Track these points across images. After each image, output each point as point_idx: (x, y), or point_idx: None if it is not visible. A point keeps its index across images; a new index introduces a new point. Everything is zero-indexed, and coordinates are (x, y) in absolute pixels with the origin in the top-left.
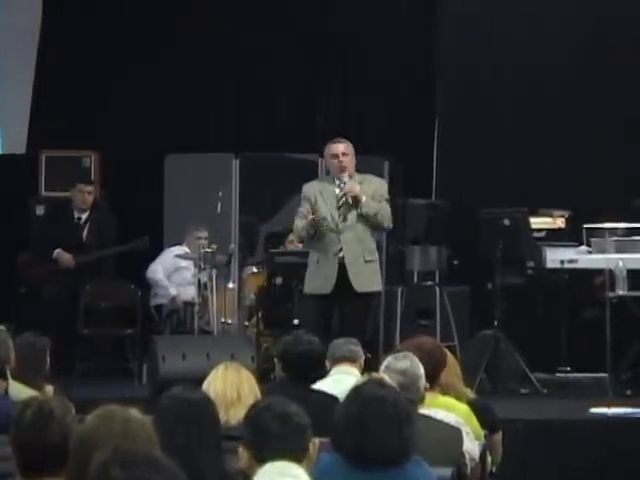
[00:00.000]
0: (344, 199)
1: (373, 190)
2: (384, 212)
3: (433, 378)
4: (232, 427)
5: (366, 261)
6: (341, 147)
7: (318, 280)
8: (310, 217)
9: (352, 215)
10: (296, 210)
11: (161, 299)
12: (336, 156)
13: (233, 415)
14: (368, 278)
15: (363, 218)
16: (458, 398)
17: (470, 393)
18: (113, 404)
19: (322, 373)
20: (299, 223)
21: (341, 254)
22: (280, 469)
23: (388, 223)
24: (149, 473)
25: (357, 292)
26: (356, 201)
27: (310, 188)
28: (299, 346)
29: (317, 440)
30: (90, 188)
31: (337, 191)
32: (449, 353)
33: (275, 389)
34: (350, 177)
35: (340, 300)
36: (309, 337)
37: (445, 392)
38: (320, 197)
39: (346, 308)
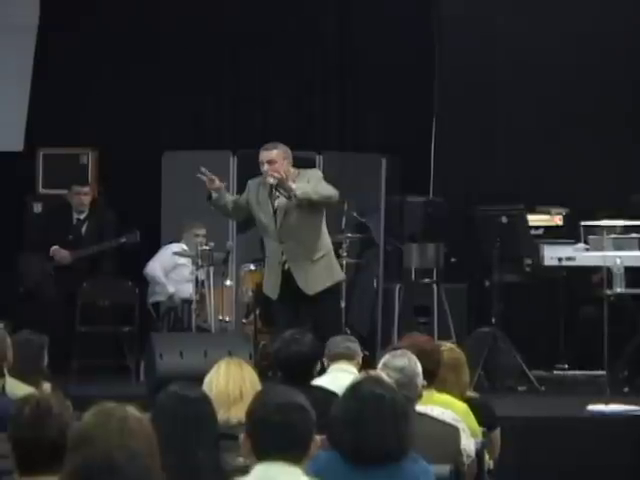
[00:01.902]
0: (276, 192)
1: (307, 178)
2: (320, 188)
3: (430, 376)
4: (233, 426)
5: (313, 261)
6: (268, 155)
7: (267, 285)
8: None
9: (290, 215)
10: None
11: (159, 296)
12: (263, 164)
13: (234, 414)
14: (318, 279)
15: (303, 210)
16: (456, 397)
17: (470, 391)
18: (110, 402)
19: (316, 373)
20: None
21: (286, 266)
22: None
23: (333, 193)
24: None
25: (310, 295)
26: (287, 189)
27: (252, 186)
28: (289, 347)
29: (318, 438)
30: (86, 189)
31: (269, 187)
32: (462, 356)
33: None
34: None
35: (297, 301)
36: (301, 337)
37: (449, 392)
38: (258, 207)
39: (304, 310)
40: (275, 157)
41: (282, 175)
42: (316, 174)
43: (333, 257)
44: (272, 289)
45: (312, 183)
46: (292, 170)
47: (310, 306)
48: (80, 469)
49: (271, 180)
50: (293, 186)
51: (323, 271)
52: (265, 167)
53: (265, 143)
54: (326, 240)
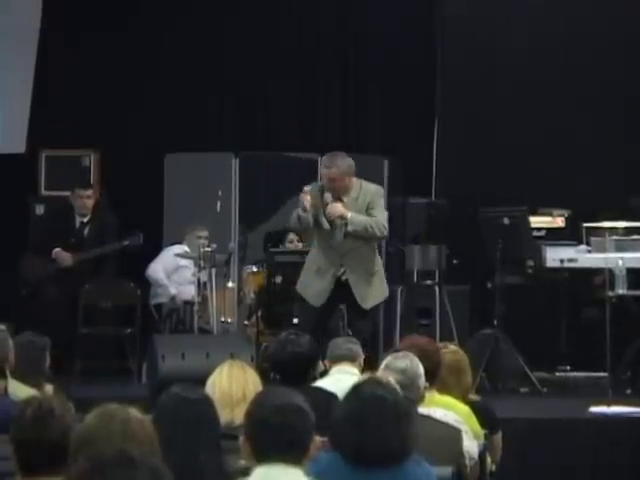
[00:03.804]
0: (332, 221)
1: (369, 201)
2: (375, 223)
3: (431, 377)
4: (236, 427)
5: (372, 275)
6: (330, 173)
7: (312, 290)
8: (303, 207)
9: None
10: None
11: (161, 298)
12: (323, 176)
13: (238, 415)
14: (376, 293)
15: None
16: (458, 399)
17: (472, 394)
18: (113, 403)
19: (314, 375)
20: (294, 213)
21: (344, 277)
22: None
23: (381, 233)
24: (130, 476)
25: (363, 309)
26: (342, 219)
27: (314, 192)
28: (286, 349)
29: (318, 439)
30: (89, 192)
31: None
32: (465, 358)
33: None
34: (344, 197)
35: (336, 308)
36: (298, 339)
37: (451, 394)
38: (322, 215)
39: (350, 314)
40: (335, 176)
41: (343, 213)
42: (378, 196)
43: (383, 271)
44: (317, 297)
45: (375, 212)
46: (354, 181)
47: (359, 320)
48: (95, 464)
49: (331, 218)
50: (349, 216)
51: (379, 286)
52: (326, 183)
53: (266, 145)
54: (378, 255)
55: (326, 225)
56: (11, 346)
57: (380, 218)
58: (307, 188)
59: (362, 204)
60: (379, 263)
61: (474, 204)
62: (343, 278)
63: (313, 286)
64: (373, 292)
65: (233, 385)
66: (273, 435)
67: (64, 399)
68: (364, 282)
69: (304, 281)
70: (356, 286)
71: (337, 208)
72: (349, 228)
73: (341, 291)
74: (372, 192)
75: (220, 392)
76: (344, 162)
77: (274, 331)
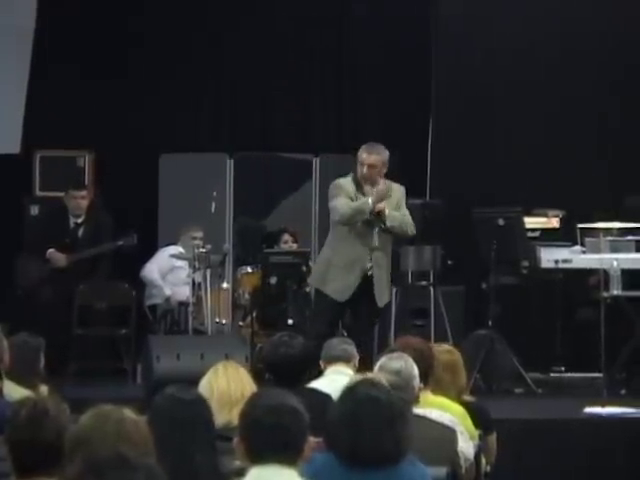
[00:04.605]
0: (372, 216)
1: (397, 199)
2: (407, 220)
3: (424, 377)
4: (234, 427)
5: (390, 272)
6: (370, 158)
7: (337, 285)
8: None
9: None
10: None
11: (155, 299)
12: (362, 165)
13: (236, 415)
14: (387, 292)
15: (388, 230)
16: (453, 399)
17: (467, 395)
18: (107, 404)
19: (308, 376)
20: (351, 204)
21: (370, 272)
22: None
23: (411, 232)
24: (125, 477)
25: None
26: (382, 216)
27: (347, 185)
28: (278, 351)
29: (313, 440)
30: (83, 193)
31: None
32: (459, 358)
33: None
34: (374, 186)
35: (356, 303)
36: (291, 341)
37: (446, 394)
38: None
39: (361, 312)
40: (376, 162)
41: (384, 211)
42: (403, 195)
43: None
44: (343, 291)
45: (402, 211)
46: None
47: (366, 320)
48: (91, 464)
49: (376, 208)
50: (387, 213)
51: (390, 284)
52: (365, 170)
53: (261, 145)
54: None
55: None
56: (6, 347)
57: (409, 216)
58: (342, 180)
59: (392, 200)
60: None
61: (469, 205)
62: (369, 273)
63: (339, 280)
64: (388, 290)
65: (231, 385)
66: (267, 436)
67: (59, 400)
68: (385, 278)
69: (326, 276)
70: (378, 282)
71: (382, 204)
72: (388, 224)
73: (364, 287)
74: (401, 191)
75: (219, 392)
76: (385, 152)
77: (269, 332)
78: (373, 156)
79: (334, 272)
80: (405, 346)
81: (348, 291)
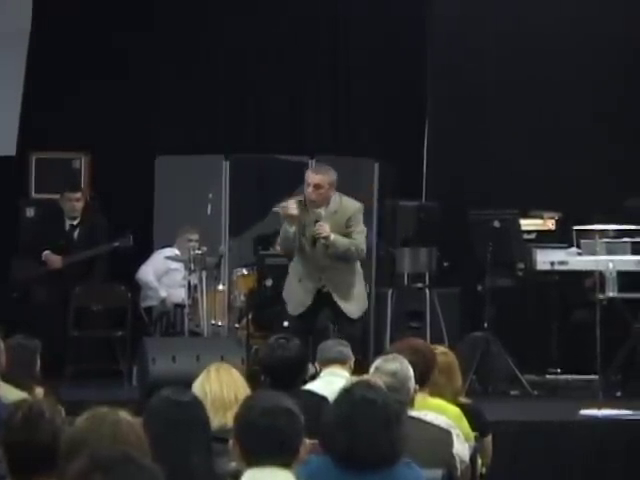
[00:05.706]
0: (316, 239)
1: (346, 220)
2: (354, 247)
3: (423, 379)
4: (229, 430)
5: (352, 286)
6: (316, 178)
7: (292, 299)
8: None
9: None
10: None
11: (151, 301)
12: (308, 185)
13: (231, 417)
14: (358, 303)
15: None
16: (449, 400)
17: (462, 397)
18: (103, 406)
19: (304, 379)
20: (282, 232)
21: (325, 289)
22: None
23: (358, 257)
24: (131, 474)
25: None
26: (326, 240)
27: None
28: (275, 353)
29: (308, 441)
30: (78, 195)
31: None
32: (455, 360)
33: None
34: (321, 209)
35: (315, 317)
36: (287, 343)
37: (442, 396)
38: (300, 227)
39: (326, 325)
40: (321, 182)
41: (328, 235)
42: (358, 214)
43: (362, 279)
44: (296, 306)
45: (355, 228)
46: (335, 195)
47: (348, 326)
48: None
49: (319, 236)
50: (331, 238)
51: (362, 295)
52: (310, 189)
53: (257, 147)
54: (357, 264)
55: (307, 242)
56: (2, 349)
57: (359, 240)
58: (283, 204)
59: (341, 219)
60: (359, 272)
61: (464, 207)
62: (324, 290)
63: (296, 294)
64: (357, 302)
65: (224, 388)
66: (262, 438)
67: (54, 402)
68: (346, 294)
69: (288, 289)
70: (341, 297)
71: (324, 227)
72: (329, 250)
73: (324, 301)
74: (353, 209)
75: (212, 396)
76: (331, 172)
77: (264, 334)
78: (319, 176)
79: (293, 286)
80: (407, 346)
81: (301, 307)
